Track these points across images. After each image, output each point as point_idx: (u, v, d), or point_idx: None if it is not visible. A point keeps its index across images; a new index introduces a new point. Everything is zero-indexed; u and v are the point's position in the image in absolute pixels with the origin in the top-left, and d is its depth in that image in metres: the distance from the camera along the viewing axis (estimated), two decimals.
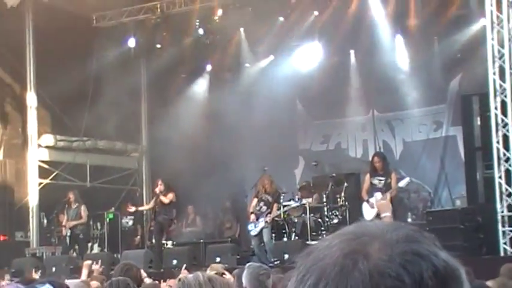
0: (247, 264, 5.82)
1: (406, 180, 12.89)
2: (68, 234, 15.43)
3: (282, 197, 13.96)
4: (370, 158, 13.62)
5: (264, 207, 13.56)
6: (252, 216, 13.64)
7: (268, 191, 13.69)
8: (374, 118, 17.32)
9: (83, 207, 15.42)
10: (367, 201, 12.60)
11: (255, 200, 13.80)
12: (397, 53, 16.26)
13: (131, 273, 5.59)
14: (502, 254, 11.33)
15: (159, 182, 14.78)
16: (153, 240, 15.49)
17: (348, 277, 0.95)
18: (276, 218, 13.97)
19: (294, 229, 14.12)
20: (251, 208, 13.79)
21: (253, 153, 17.35)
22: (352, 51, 17.03)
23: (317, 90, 17.18)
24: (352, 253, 0.97)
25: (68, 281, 4.54)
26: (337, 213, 14.30)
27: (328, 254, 0.98)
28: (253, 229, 13.58)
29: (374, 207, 12.29)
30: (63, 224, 15.54)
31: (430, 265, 0.96)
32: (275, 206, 13.63)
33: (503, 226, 11.47)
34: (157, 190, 14.76)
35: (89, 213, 16.25)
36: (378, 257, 0.96)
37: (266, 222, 13.45)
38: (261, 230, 13.47)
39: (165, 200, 14.59)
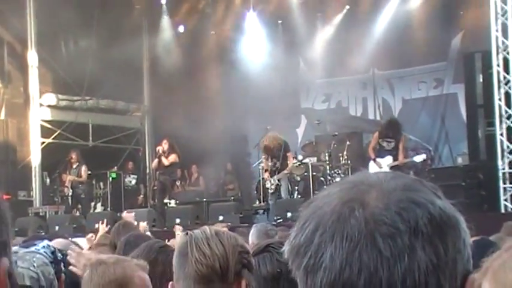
0: (254, 224, 5.91)
1: (422, 156, 13.00)
2: (70, 193, 15.52)
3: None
4: (385, 124, 13.43)
5: (278, 163, 13.32)
6: (266, 174, 13.49)
7: (275, 147, 13.33)
8: (374, 76, 17.27)
9: (83, 167, 15.47)
10: (375, 160, 12.60)
11: (266, 159, 13.55)
12: (398, 11, 16.11)
13: (129, 232, 5.55)
14: (503, 210, 11.42)
15: (164, 141, 14.72)
16: (156, 200, 15.59)
17: (344, 224, 0.97)
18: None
19: (296, 187, 14.17)
20: (265, 165, 13.59)
21: (255, 113, 17.37)
22: (351, 9, 16.88)
23: (319, 49, 17.10)
24: (350, 201, 0.99)
25: (56, 240, 4.56)
26: (340, 171, 14.34)
27: (327, 203, 1.01)
28: (270, 186, 13.43)
29: (382, 168, 12.34)
30: (66, 183, 15.63)
31: (425, 212, 0.97)
32: (289, 154, 13.36)
33: (504, 183, 11.54)
34: (159, 149, 14.73)
35: (92, 173, 16.35)
36: (375, 204, 0.97)
37: (278, 178, 13.23)
38: (277, 186, 13.31)
39: (166, 162, 14.57)
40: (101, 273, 2.52)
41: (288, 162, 13.36)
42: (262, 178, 14.45)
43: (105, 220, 8.83)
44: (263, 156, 13.76)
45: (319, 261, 0.97)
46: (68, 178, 15.49)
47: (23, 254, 2.58)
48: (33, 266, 2.50)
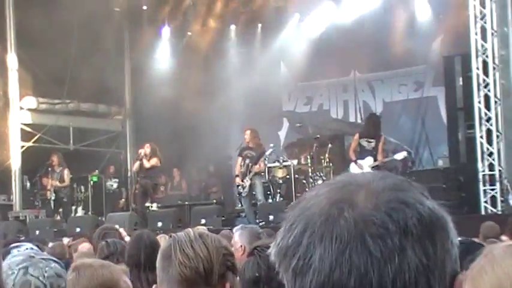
0: (240, 226, 5.84)
1: (403, 153, 13.02)
2: (53, 198, 15.41)
3: (267, 153, 13.56)
4: (365, 119, 13.55)
5: (250, 164, 13.31)
6: (237, 179, 13.48)
7: (250, 146, 13.44)
8: (355, 79, 17.34)
9: (66, 171, 15.43)
10: (355, 162, 12.63)
11: (239, 159, 13.61)
12: (378, 14, 16.19)
13: (110, 237, 5.55)
14: (483, 212, 11.50)
15: (147, 145, 14.74)
16: (137, 203, 15.53)
17: (334, 225, 0.96)
18: (263, 181, 13.90)
19: (278, 190, 14.18)
20: (237, 170, 13.66)
21: (237, 116, 17.38)
22: (333, 12, 16.93)
23: (300, 52, 17.14)
24: (338, 202, 0.98)
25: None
26: (322, 174, 14.38)
27: (315, 203, 1.00)
28: (242, 190, 13.40)
29: (363, 169, 12.37)
30: (48, 187, 15.51)
31: (414, 213, 0.97)
32: (261, 161, 13.35)
33: (484, 185, 11.62)
34: (141, 152, 14.72)
35: (73, 176, 16.26)
36: (364, 205, 0.97)
37: (252, 176, 13.18)
38: (250, 188, 13.27)
39: (147, 164, 14.57)
40: (89, 276, 2.51)
41: (258, 165, 13.32)
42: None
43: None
44: (239, 159, 13.61)
45: (308, 263, 0.96)
46: (51, 182, 15.39)
47: (37, 260, 2.53)
48: (43, 275, 2.47)
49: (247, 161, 13.39)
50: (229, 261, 2.35)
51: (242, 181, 13.39)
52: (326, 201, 0.99)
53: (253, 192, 13.49)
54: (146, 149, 14.70)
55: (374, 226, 0.95)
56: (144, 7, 17.44)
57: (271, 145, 13.87)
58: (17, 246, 2.78)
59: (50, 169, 15.57)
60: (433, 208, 1.00)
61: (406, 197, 0.99)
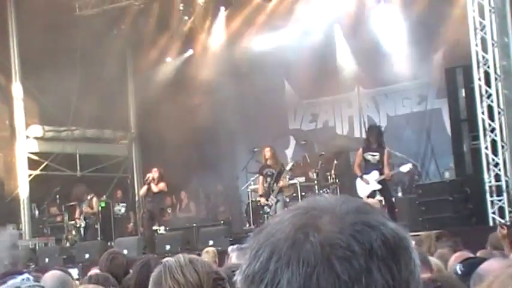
0: (236, 246, 5.82)
1: (408, 165, 12.97)
2: (83, 225, 15.79)
3: (288, 168, 13.61)
4: (366, 131, 13.53)
5: (272, 182, 13.35)
6: (262, 200, 13.45)
7: (269, 164, 13.51)
8: (359, 94, 17.36)
9: (94, 199, 15.99)
10: (361, 177, 12.57)
11: (261, 178, 13.60)
12: (381, 29, 16.25)
13: (117, 262, 5.54)
14: (491, 223, 11.43)
15: (155, 170, 14.78)
16: (144, 227, 15.55)
17: (300, 250, 0.97)
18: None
19: (285, 208, 14.13)
20: (259, 190, 13.60)
21: (243, 135, 17.41)
22: (336, 28, 16.99)
23: (303, 69, 17.18)
24: (303, 227, 0.99)
25: (49, 272, 4.54)
26: (328, 190, 14.35)
27: (280, 229, 1.01)
28: (269, 209, 13.29)
29: (369, 184, 12.32)
30: (76, 215, 15.93)
31: (379, 235, 0.99)
32: (283, 177, 13.38)
33: (491, 196, 11.57)
34: (149, 176, 14.75)
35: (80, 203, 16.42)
36: (329, 229, 0.98)
37: (277, 194, 13.24)
38: (275, 206, 13.25)
39: (155, 188, 14.61)
40: None
41: (282, 181, 13.42)
42: (253, 201, 14.46)
43: None
44: (260, 178, 13.65)
45: None
46: (84, 210, 15.84)
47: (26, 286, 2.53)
48: None
49: (268, 179, 13.43)
50: (220, 286, 2.36)
51: (267, 200, 13.36)
52: (291, 226, 1.00)
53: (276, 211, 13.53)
54: (154, 174, 14.74)
55: (340, 249, 0.96)
56: (143, 31, 17.55)
57: (290, 160, 14.01)
58: (13, 277, 2.80)
59: (80, 198, 16.13)
60: (396, 229, 1.01)
61: (369, 219, 1.00)
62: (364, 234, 0.98)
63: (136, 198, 17.89)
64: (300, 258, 0.97)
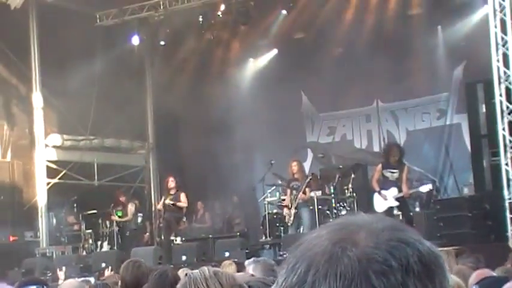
0: (253, 259, 5.80)
1: (428, 186, 12.92)
2: (117, 231, 16.19)
3: (307, 180, 13.78)
4: (384, 149, 13.50)
5: (298, 195, 13.63)
6: (285, 210, 13.73)
7: (296, 177, 13.77)
8: (378, 108, 17.33)
9: (129, 206, 16.28)
10: (379, 192, 12.50)
11: (289, 191, 13.86)
12: (401, 43, 16.23)
13: (142, 270, 5.55)
14: (510, 241, 11.32)
15: (171, 179, 14.81)
16: (162, 237, 15.56)
17: (337, 263, 0.98)
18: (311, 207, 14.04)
19: (301, 221, 14.13)
20: (287, 201, 13.81)
21: (261, 147, 17.42)
22: (355, 42, 17.01)
23: (321, 82, 17.20)
24: (340, 241, 1.00)
25: (66, 281, 4.56)
26: (345, 204, 14.31)
27: (317, 244, 1.02)
28: (289, 219, 13.64)
29: (387, 200, 12.25)
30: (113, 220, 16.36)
31: (415, 251, 0.99)
32: (307, 191, 13.64)
33: (511, 213, 11.47)
34: (169, 185, 14.84)
35: (97, 212, 16.51)
36: (366, 244, 0.99)
37: (297, 206, 13.44)
38: (296, 217, 13.50)
39: (183, 204, 14.68)
40: None
41: (304, 193, 13.64)
42: (269, 213, 14.49)
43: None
44: (288, 191, 13.84)
45: None
46: (113, 218, 16.21)
47: None
48: None
49: (294, 192, 13.69)
50: None
51: (289, 210, 13.60)
52: (328, 241, 1.01)
53: (299, 222, 13.73)
54: (171, 183, 14.78)
55: (377, 263, 0.97)
56: (162, 42, 17.66)
57: (309, 174, 14.22)
58: (24, 286, 2.79)
59: (116, 205, 16.46)
60: (431, 247, 1.03)
61: (405, 236, 1.01)
62: (400, 250, 0.99)
63: (153, 209, 17.93)
64: (338, 271, 0.98)
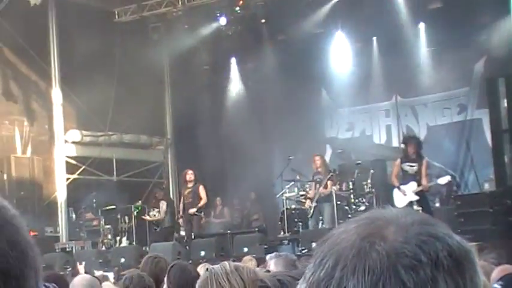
0: (274, 254, 5.79)
1: (447, 178, 12.86)
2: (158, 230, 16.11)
3: (328, 176, 13.89)
4: (402, 143, 13.44)
5: (320, 188, 13.82)
6: (307, 202, 13.92)
7: (320, 171, 13.90)
8: (397, 103, 17.24)
9: (164, 205, 16.07)
10: (399, 187, 12.45)
11: (313, 185, 14.03)
12: (420, 37, 16.12)
13: (161, 265, 5.56)
14: None
15: (190, 172, 14.81)
16: (181, 232, 15.60)
17: (366, 258, 0.97)
18: (303, 207, 14.11)
19: (321, 217, 14.12)
20: (311, 194, 13.98)
21: (279, 143, 17.40)
22: (374, 38, 16.91)
23: (340, 77, 17.13)
24: (369, 236, 1.00)
25: (78, 276, 4.56)
26: (364, 200, 14.25)
27: (345, 238, 1.01)
28: (310, 212, 13.85)
29: (406, 195, 12.19)
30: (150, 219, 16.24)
31: (445, 245, 0.98)
32: (329, 183, 13.76)
33: None
34: (189, 178, 14.83)
35: (116, 207, 16.58)
36: (394, 238, 0.98)
37: (318, 199, 13.57)
38: (317, 211, 13.66)
39: (203, 202, 14.69)
40: None
41: (327, 186, 13.78)
42: (287, 208, 14.50)
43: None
44: (313, 184, 13.96)
45: None
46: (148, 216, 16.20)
47: None
48: None
49: (317, 186, 13.88)
50: None
51: (311, 202, 13.80)
52: (356, 236, 1.00)
53: (321, 216, 13.86)
54: (190, 176, 14.80)
55: (406, 258, 0.96)
56: (180, 38, 17.64)
57: (332, 169, 14.24)
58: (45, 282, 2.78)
59: (152, 203, 16.48)
60: (461, 242, 1.02)
61: (435, 230, 1.00)
62: (430, 245, 0.98)
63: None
64: (366, 266, 0.97)
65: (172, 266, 4.64)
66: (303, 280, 1.03)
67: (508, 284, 4.52)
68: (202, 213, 15.73)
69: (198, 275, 4.56)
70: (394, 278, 0.95)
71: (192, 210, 14.65)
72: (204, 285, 2.34)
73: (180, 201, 15.39)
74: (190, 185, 14.80)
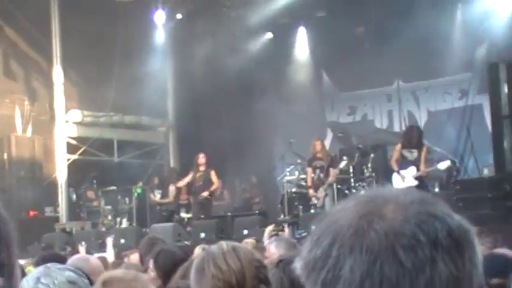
0: (274, 238, 5.82)
1: (446, 163, 12.85)
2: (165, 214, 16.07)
3: (341, 165, 13.73)
4: (405, 132, 13.44)
5: (321, 174, 13.53)
6: (311, 191, 13.61)
7: (319, 156, 13.66)
8: (399, 88, 17.20)
9: (171, 188, 16.07)
10: (398, 172, 12.49)
11: (310, 170, 13.72)
12: (421, 22, 16.04)
13: (158, 247, 5.57)
14: None
15: (201, 155, 14.88)
16: (181, 214, 15.65)
17: (363, 237, 0.97)
18: (304, 191, 14.03)
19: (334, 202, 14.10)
20: (309, 182, 13.72)
21: (280, 126, 17.38)
22: (375, 21, 16.84)
23: (342, 61, 17.08)
24: (367, 214, 0.99)
25: (74, 257, 4.55)
26: (364, 184, 14.25)
27: (343, 216, 1.00)
28: (317, 201, 13.52)
29: (405, 180, 12.23)
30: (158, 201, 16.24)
31: (444, 225, 0.98)
32: (331, 170, 13.52)
33: None
34: (200, 161, 14.84)
35: (117, 188, 16.58)
36: (393, 217, 0.98)
37: (327, 188, 13.37)
38: (324, 197, 13.43)
39: (215, 186, 14.86)
40: None
41: (330, 176, 13.52)
42: (288, 191, 14.46)
43: None
44: (309, 169, 13.73)
45: (338, 275, 0.97)
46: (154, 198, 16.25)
47: (51, 270, 2.51)
48: (54, 283, 2.45)
49: (317, 171, 13.56)
50: (262, 274, 2.34)
51: (316, 192, 13.51)
52: (354, 214, 1.00)
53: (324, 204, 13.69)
54: (201, 159, 14.86)
55: (405, 237, 0.96)
56: (179, 16, 17.55)
57: (344, 157, 13.95)
58: (44, 261, 2.79)
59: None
60: (461, 221, 1.01)
61: (434, 210, 1.00)
62: (429, 224, 0.97)
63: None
64: (363, 245, 0.96)
65: (159, 252, 4.55)
66: (299, 258, 1.02)
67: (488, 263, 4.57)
68: (212, 197, 15.81)
69: (187, 256, 4.54)
70: (392, 258, 0.95)
71: (205, 194, 14.71)
72: (201, 266, 2.34)
73: (181, 182, 15.43)
74: (202, 168, 14.87)
